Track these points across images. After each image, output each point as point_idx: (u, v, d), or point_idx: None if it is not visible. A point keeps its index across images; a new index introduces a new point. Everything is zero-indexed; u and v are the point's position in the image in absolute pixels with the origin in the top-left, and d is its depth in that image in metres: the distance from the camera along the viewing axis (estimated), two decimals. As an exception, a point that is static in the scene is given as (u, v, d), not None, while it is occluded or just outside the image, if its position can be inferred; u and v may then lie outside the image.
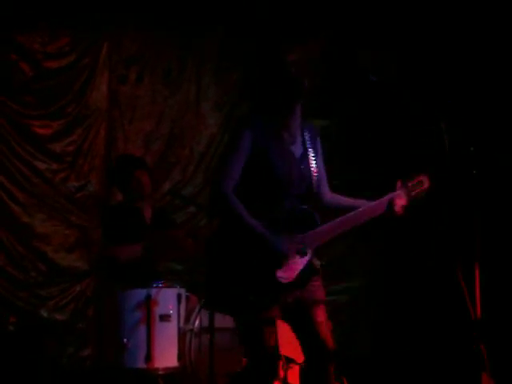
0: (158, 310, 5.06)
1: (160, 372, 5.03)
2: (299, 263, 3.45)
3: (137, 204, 5.57)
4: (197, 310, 5.29)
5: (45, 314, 6.36)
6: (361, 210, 3.59)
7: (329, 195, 3.75)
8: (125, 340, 4.97)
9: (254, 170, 3.47)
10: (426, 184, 3.75)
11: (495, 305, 5.04)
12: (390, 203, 3.62)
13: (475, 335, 3.84)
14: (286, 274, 3.41)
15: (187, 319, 5.24)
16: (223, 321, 5.02)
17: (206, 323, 5.09)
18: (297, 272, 3.44)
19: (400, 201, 3.63)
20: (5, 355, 5.38)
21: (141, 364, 4.96)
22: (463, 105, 6.20)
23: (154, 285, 5.12)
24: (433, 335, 6.57)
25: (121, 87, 6.84)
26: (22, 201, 6.43)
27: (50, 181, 6.54)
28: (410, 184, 3.71)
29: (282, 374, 4.93)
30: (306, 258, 3.47)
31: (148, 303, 5.03)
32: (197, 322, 5.22)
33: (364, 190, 3.81)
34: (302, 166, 3.57)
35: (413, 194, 3.69)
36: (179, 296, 5.15)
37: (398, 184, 3.70)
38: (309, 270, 3.47)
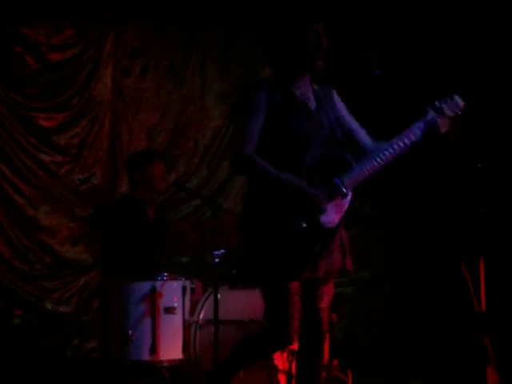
0: (163, 303, 5.06)
1: (165, 364, 5.05)
2: (343, 205, 3.43)
3: (144, 197, 5.58)
4: (202, 301, 5.29)
5: (49, 307, 6.37)
6: (392, 143, 3.53)
7: (370, 144, 3.68)
8: (130, 332, 4.98)
9: (272, 130, 3.46)
10: (461, 104, 3.62)
11: (500, 298, 5.04)
12: (429, 128, 3.52)
13: (480, 328, 3.85)
14: (329, 218, 3.39)
15: (192, 312, 5.25)
16: (228, 313, 5.03)
17: (210, 315, 5.10)
18: (341, 214, 3.42)
19: (443, 123, 3.52)
20: (10, 347, 5.39)
21: (146, 356, 4.97)
22: (468, 98, 6.19)
23: (159, 277, 5.12)
24: (439, 328, 6.58)
25: (125, 80, 6.84)
26: (27, 193, 6.42)
27: (55, 173, 6.53)
28: (443, 105, 3.59)
29: (286, 365, 4.95)
30: (348, 198, 3.44)
31: (153, 295, 5.03)
32: (202, 315, 5.23)
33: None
34: (319, 116, 3.57)
35: (450, 114, 3.58)
36: (184, 288, 5.15)
37: (428, 109, 3.58)
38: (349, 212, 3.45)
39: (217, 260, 5.04)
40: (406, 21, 6.86)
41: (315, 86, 3.66)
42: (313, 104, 3.60)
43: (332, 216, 3.39)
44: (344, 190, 3.43)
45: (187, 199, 6.78)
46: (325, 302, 3.60)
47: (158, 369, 5.10)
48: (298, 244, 3.36)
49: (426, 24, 6.73)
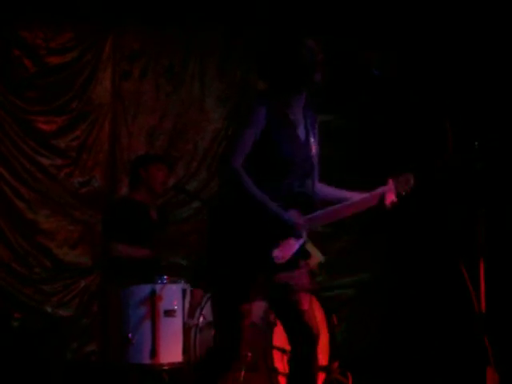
0: (163, 306, 5.07)
1: (165, 367, 5.06)
2: (294, 245, 3.49)
3: (143, 199, 5.60)
4: (202, 304, 5.29)
5: (49, 310, 6.37)
6: (355, 200, 3.68)
7: (317, 184, 3.78)
8: (129, 335, 4.97)
9: (260, 148, 3.50)
10: (411, 183, 3.81)
11: (500, 299, 5.04)
12: (382, 197, 3.70)
13: (480, 329, 3.85)
14: (280, 254, 3.45)
15: (192, 314, 5.24)
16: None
17: (210, 318, 5.10)
18: (291, 253, 3.48)
19: (390, 196, 3.73)
20: (9, 351, 5.38)
21: (146, 359, 4.98)
22: (466, 101, 6.20)
23: (159, 280, 5.12)
24: (438, 329, 6.57)
25: (124, 83, 6.83)
26: (27, 197, 6.42)
27: (55, 176, 6.53)
28: (399, 181, 3.78)
29: (287, 368, 4.94)
30: (301, 241, 3.51)
31: (153, 298, 5.03)
32: (201, 317, 5.22)
33: (363, 186, 3.83)
34: (306, 149, 3.63)
35: (401, 191, 3.77)
36: (184, 291, 5.16)
37: (390, 181, 3.76)
38: (301, 253, 3.52)
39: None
40: (405, 21, 6.85)
41: (306, 110, 3.70)
42: (302, 134, 3.65)
43: (283, 252, 3.48)
44: (301, 233, 3.52)
45: (187, 202, 6.78)
46: (306, 306, 3.62)
47: (158, 372, 5.10)
48: (248, 267, 3.45)
49: (425, 24, 6.73)
